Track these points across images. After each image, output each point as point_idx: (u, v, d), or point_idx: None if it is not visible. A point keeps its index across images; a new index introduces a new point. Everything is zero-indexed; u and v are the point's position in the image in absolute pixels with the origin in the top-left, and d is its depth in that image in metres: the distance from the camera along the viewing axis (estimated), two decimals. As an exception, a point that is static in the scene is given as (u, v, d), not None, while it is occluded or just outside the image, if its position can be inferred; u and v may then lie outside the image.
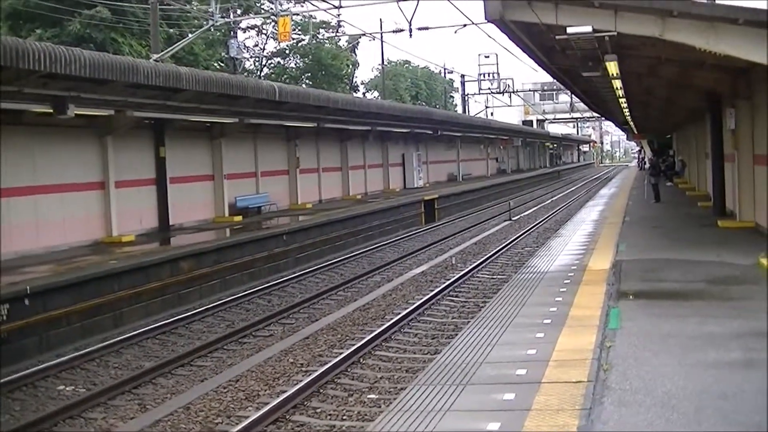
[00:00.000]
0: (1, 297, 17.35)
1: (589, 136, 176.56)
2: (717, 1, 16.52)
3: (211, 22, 37.51)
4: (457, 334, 12.41)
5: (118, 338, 18.93)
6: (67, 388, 15.60)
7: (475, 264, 27.51)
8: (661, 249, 20.94)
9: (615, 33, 15.64)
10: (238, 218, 34.24)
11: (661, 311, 13.21)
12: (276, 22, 50.39)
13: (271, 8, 60.72)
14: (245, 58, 61.64)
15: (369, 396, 13.83)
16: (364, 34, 52.78)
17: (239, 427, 11.97)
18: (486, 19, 16.42)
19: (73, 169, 26.20)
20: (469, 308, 20.44)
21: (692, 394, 8.68)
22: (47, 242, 24.64)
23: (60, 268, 21.14)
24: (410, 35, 35.47)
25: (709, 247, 20.17)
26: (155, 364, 16.61)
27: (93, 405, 14.15)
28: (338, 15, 46.10)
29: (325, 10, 43.55)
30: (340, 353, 16.27)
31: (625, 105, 39.69)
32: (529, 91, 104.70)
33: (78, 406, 14.02)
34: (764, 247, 17.92)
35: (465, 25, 38.64)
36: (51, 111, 22.26)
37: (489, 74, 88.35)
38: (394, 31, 37.36)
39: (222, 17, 37.48)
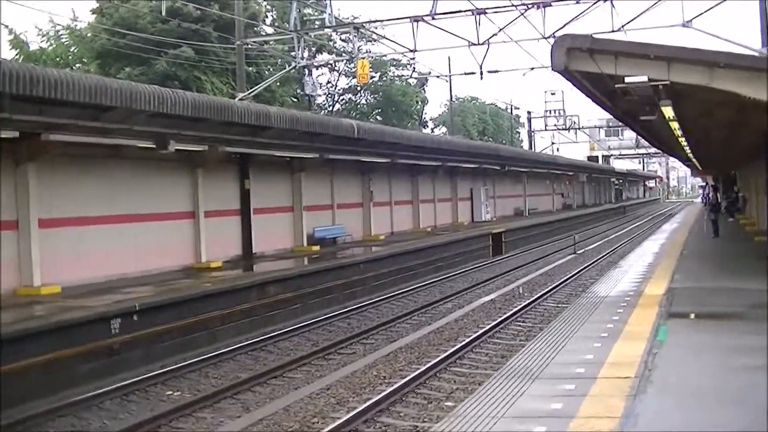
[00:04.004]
0: (114, 313, 19.37)
1: (655, 171, 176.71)
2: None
3: (294, 63, 39.65)
4: (515, 358, 14.24)
5: (214, 353, 20.83)
6: (175, 394, 17.51)
7: (541, 293, 29.14)
8: (712, 278, 22.64)
9: (668, 82, 17.36)
10: (316, 248, 36.10)
11: (703, 328, 15.10)
12: (350, 60, 52.70)
13: (344, 47, 63.06)
14: (318, 94, 63.75)
15: (446, 403, 15.56)
16: (437, 76, 54.64)
17: (335, 424, 13.76)
18: (553, 69, 18.18)
19: (169, 200, 28.31)
20: (535, 333, 22.01)
21: (718, 388, 10.55)
22: (144, 266, 26.66)
23: (159, 289, 23.17)
24: (481, 77, 37.22)
25: (756, 278, 21.65)
26: (251, 375, 18.48)
27: (201, 407, 16.03)
28: (413, 58, 47.85)
29: (401, 53, 45.13)
30: (419, 368, 18.02)
31: (685, 144, 41.06)
32: (595, 127, 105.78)
33: (188, 407, 15.93)
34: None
35: (533, 68, 40.37)
36: (153, 146, 24.33)
37: (555, 111, 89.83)
38: (465, 74, 39.05)
39: (302, 57, 39.44)
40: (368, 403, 15.05)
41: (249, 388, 17.53)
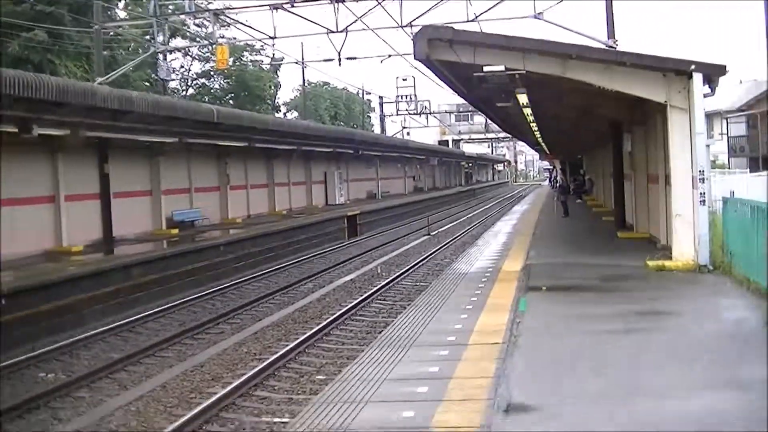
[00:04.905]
0: None
1: (504, 155, 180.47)
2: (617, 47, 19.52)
3: (152, 48, 39.62)
4: (389, 330, 15.18)
5: (83, 335, 21.00)
6: (49, 375, 17.69)
7: (399, 273, 30.07)
8: (565, 255, 24.03)
9: (524, 71, 18.47)
10: (175, 231, 36.33)
11: (560, 299, 16.32)
12: (209, 48, 52.64)
13: (197, 31, 62.86)
14: (172, 79, 63.48)
15: (317, 377, 16.29)
16: (295, 62, 54.94)
17: (214, 398, 14.33)
18: (415, 58, 19.10)
19: (28, 184, 28.25)
20: (397, 309, 22.83)
21: (575, 350, 11.76)
22: (3, 250, 26.51)
23: (25, 273, 23.21)
24: (339, 64, 37.89)
25: (606, 254, 23.14)
26: (123, 355, 18.81)
27: (77, 387, 16.32)
28: (273, 45, 48.19)
29: (260, 41, 45.41)
30: (287, 345, 18.69)
31: (536, 129, 42.78)
32: (445, 112, 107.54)
33: (64, 387, 16.22)
34: (653, 252, 20.85)
35: (390, 56, 41.18)
36: (16, 130, 24.32)
37: (406, 96, 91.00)
38: (324, 60, 39.58)
39: (156, 41, 39.41)
40: (243, 378, 15.65)
41: (123, 368, 17.91)
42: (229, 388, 15.03)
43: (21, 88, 22.08)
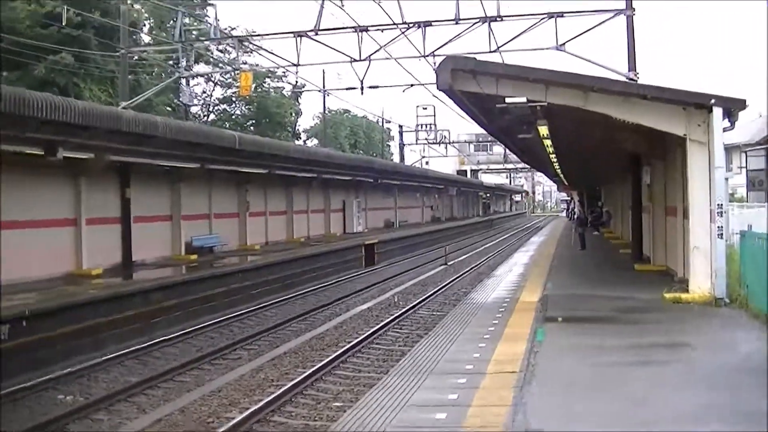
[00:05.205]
0: (2, 318, 19.61)
1: (522, 186, 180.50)
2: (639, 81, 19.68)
3: (177, 74, 39.99)
4: (407, 358, 15.22)
5: (102, 358, 21.16)
6: (67, 398, 17.84)
7: (416, 302, 30.17)
8: (582, 287, 24.11)
9: (545, 103, 18.64)
10: (194, 257, 36.50)
11: (577, 330, 16.37)
12: (231, 73, 52.91)
13: (221, 57, 63.31)
14: (194, 104, 63.87)
15: (335, 404, 16.38)
16: (318, 91, 55.29)
17: (229, 425, 14.44)
18: (438, 88, 19.28)
19: (50, 207, 28.54)
20: (413, 339, 22.94)
21: (591, 379, 11.94)
22: (24, 273, 26.62)
23: (46, 295, 23.40)
24: (362, 93, 38.08)
25: (622, 286, 23.16)
26: (142, 379, 18.96)
27: (96, 409, 16.49)
28: (296, 72, 48.44)
29: (284, 68, 45.65)
30: (305, 371, 18.79)
31: (556, 160, 42.89)
32: (465, 142, 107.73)
33: (83, 410, 16.38)
34: (670, 285, 20.89)
35: (412, 85, 41.39)
36: (42, 153, 24.60)
37: (426, 125, 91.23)
38: (347, 89, 39.81)
39: (181, 66, 39.76)
40: (260, 404, 15.76)
41: (141, 391, 18.06)
42: (246, 413, 15.15)
43: (49, 110, 22.36)
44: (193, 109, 68.79)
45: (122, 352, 22.09)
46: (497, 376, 12.24)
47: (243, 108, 77.87)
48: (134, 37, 50.54)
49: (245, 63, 53.69)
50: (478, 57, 22.80)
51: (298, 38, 33.92)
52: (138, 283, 27.67)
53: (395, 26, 32.96)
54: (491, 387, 11.53)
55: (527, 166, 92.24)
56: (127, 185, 32.61)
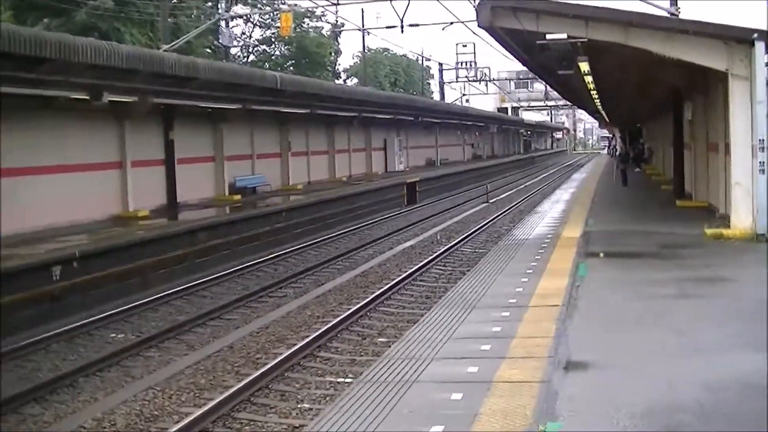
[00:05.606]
0: (54, 260, 20.07)
1: (563, 123, 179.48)
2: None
3: (217, 16, 40.15)
4: (450, 293, 15.43)
5: (150, 298, 21.60)
6: (119, 336, 18.34)
7: (459, 240, 30.40)
8: (624, 223, 24.31)
9: (586, 39, 18.66)
10: (237, 197, 36.82)
11: (618, 265, 16.67)
12: (270, 14, 52.89)
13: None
14: (234, 46, 64.00)
15: (379, 339, 16.72)
16: (357, 29, 55.17)
17: (280, 358, 14.80)
18: (478, 25, 19.35)
19: (96, 150, 28.88)
20: (456, 275, 23.20)
21: (632, 312, 12.20)
22: (72, 216, 27.08)
23: (95, 237, 23.90)
24: (402, 31, 38.12)
25: (664, 222, 23.33)
26: (190, 317, 19.38)
27: (147, 347, 16.91)
28: (336, 11, 48.49)
29: (323, 7, 45.66)
30: (350, 308, 19.12)
31: (597, 97, 42.72)
32: (505, 79, 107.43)
33: (134, 347, 16.82)
34: (711, 221, 20.97)
35: (452, 23, 41.29)
36: (87, 98, 24.95)
37: (466, 63, 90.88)
38: (387, 27, 39.81)
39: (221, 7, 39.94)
40: (307, 340, 16.10)
41: (190, 329, 18.46)
42: (293, 348, 15.47)
43: (94, 55, 22.68)
44: (233, 51, 68.89)
45: (170, 291, 22.52)
46: (540, 309, 12.53)
47: (282, 49, 77.91)
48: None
49: (284, 3, 53.72)
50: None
51: (338, -23, 33.96)
52: (184, 224, 28.12)
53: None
54: (534, 320, 11.82)
55: (568, 103, 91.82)
56: (171, 127, 32.89)
